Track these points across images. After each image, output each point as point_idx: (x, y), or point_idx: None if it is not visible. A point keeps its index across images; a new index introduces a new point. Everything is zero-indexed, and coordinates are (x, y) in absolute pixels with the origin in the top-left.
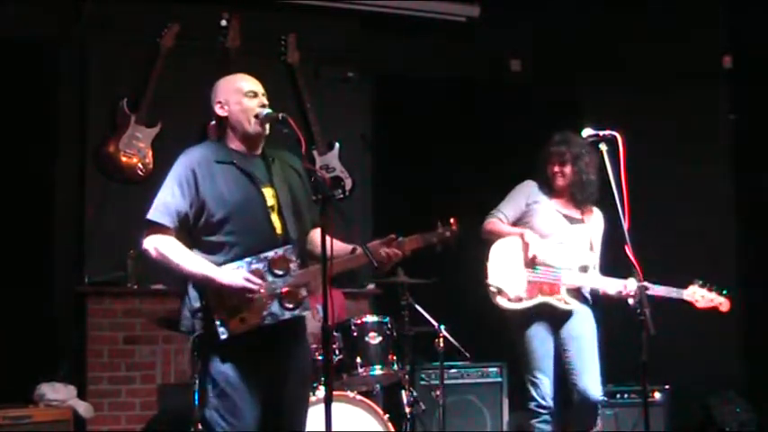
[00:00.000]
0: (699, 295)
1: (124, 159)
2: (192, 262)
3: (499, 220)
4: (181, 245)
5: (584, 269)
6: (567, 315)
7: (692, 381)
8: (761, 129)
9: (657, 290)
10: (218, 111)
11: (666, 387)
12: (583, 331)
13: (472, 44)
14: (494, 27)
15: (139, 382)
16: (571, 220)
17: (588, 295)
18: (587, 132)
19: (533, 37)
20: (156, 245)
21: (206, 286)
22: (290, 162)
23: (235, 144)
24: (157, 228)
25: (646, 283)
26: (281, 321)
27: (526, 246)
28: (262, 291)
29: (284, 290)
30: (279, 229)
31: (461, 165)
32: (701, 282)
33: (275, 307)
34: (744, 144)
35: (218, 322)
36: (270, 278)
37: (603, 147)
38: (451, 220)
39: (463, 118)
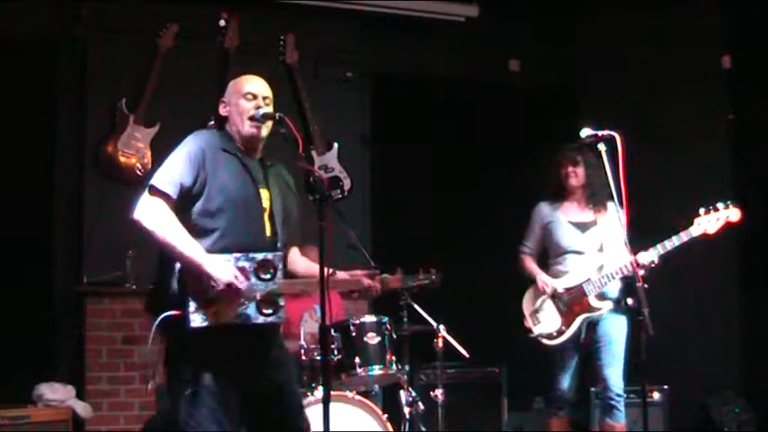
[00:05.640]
0: (705, 224)
1: (123, 159)
2: (184, 242)
3: (524, 254)
4: (177, 221)
5: (600, 270)
6: (600, 318)
7: (691, 381)
8: (761, 129)
9: (670, 243)
10: (220, 110)
11: (665, 387)
12: (612, 332)
13: (471, 44)
14: (493, 27)
15: (138, 383)
16: (583, 227)
17: (614, 298)
18: (586, 132)
19: (533, 37)
20: (152, 214)
21: (189, 270)
22: (285, 178)
23: (235, 143)
24: (160, 195)
25: (659, 246)
26: (254, 326)
27: (543, 287)
28: (243, 290)
29: (264, 295)
30: (269, 232)
31: (461, 165)
32: (702, 210)
33: (251, 309)
34: (744, 144)
35: (191, 308)
36: (253, 279)
37: (602, 147)
38: (432, 270)
39: (462, 118)
